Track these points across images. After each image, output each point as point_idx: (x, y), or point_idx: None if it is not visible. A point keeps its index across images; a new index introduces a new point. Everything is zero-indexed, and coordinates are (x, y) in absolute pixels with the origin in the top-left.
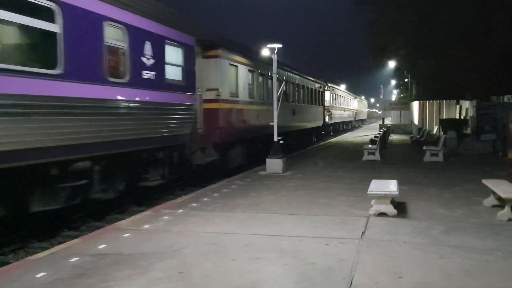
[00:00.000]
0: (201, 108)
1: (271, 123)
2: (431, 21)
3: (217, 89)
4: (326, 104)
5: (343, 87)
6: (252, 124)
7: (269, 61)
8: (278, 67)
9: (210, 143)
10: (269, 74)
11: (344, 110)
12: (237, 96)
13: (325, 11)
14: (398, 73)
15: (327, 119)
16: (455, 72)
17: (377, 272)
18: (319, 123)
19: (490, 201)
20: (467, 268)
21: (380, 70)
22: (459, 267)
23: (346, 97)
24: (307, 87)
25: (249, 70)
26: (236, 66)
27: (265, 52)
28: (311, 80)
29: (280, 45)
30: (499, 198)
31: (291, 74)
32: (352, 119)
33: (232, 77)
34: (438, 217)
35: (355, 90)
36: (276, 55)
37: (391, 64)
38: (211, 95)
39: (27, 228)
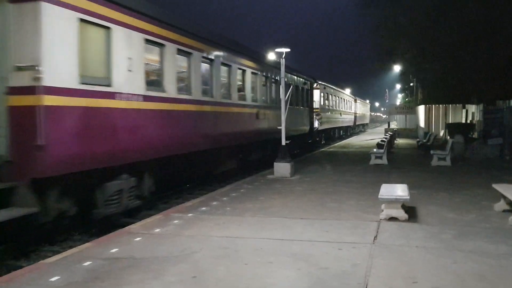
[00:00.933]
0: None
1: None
2: (437, 24)
3: (35, 67)
4: (315, 106)
5: (348, 91)
6: (162, 134)
7: (223, 42)
8: (234, 50)
9: (23, 179)
10: (222, 60)
11: (341, 114)
12: (110, 85)
13: (329, 15)
14: (403, 77)
15: (316, 124)
16: (461, 76)
17: (391, 277)
18: (304, 129)
19: (500, 205)
20: (482, 273)
21: (385, 74)
22: (474, 272)
23: (343, 98)
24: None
25: (155, 43)
26: (108, 29)
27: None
28: (290, 74)
29: (288, 50)
30: (510, 203)
31: (255, 64)
32: (351, 124)
33: (94, 48)
34: (449, 221)
35: (360, 93)
36: (284, 59)
37: (397, 68)
38: (23, 79)
39: (37, 232)
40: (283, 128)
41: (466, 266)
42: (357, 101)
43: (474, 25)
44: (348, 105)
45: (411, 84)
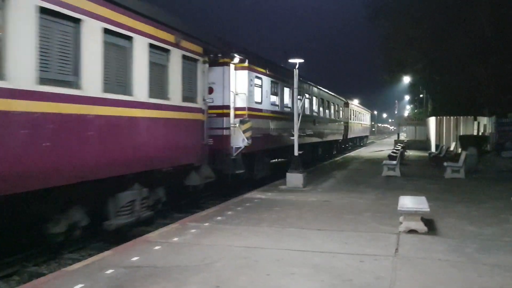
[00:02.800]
0: None
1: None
2: (447, 36)
3: None
4: (236, 105)
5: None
6: None
7: None
8: None
9: None
10: None
11: (314, 122)
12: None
13: (339, 26)
14: (413, 88)
15: (240, 141)
16: (472, 87)
17: None
18: (189, 157)
19: None
20: (508, 287)
21: (394, 85)
22: (499, 286)
23: (320, 97)
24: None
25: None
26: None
27: None
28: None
29: (301, 60)
30: None
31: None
32: (338, 137)
33: None
34: (470, 234)
35: (368, 104)
36: (297, 70)
37: (406, 79)
38: None
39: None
40: (296, 138)
41: (491, 280)
42: (350, 105)
43: (485, 37)
44: (332, 110)
45: (421, 96)
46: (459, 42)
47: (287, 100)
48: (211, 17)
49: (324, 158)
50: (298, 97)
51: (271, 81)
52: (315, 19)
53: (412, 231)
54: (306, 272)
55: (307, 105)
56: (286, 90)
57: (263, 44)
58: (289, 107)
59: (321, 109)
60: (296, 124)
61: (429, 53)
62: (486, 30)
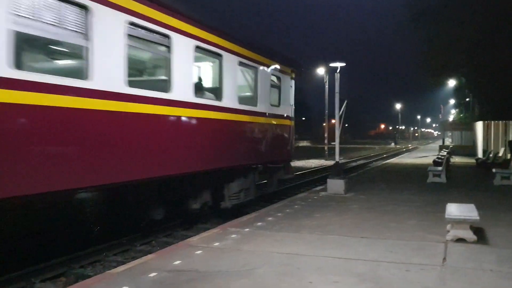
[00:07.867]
0: None
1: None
2: (492, 38)
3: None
4: None
5: None
6: None
7: None
8: None
9: None
10: None
11: None
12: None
13: (381, 30)
14: (458, 92)
15: None
16: None
17: None
18: None
19: None
20: None
21: (439, 88)
22: None
23: None
24: None
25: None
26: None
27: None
28: None
29: (343, 64)
30: None
31: None
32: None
33: None
34: None
35: (411, 110)
36: (338, 74)
37: (451, 82)
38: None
39: (102, 242)
40: (337, 144)
41: None
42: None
43: None
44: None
45: (467, 99)
46: (505, 44)
47: None
48: (249, 19)
49: None
50: None
51: None
52: (354, 22)
53: (460, 240)
54: (351, 281)
55: None
56: None
57: (303, 48)
58: None
59: None
60: (338, 130)
61: (474, 56)
62: None
